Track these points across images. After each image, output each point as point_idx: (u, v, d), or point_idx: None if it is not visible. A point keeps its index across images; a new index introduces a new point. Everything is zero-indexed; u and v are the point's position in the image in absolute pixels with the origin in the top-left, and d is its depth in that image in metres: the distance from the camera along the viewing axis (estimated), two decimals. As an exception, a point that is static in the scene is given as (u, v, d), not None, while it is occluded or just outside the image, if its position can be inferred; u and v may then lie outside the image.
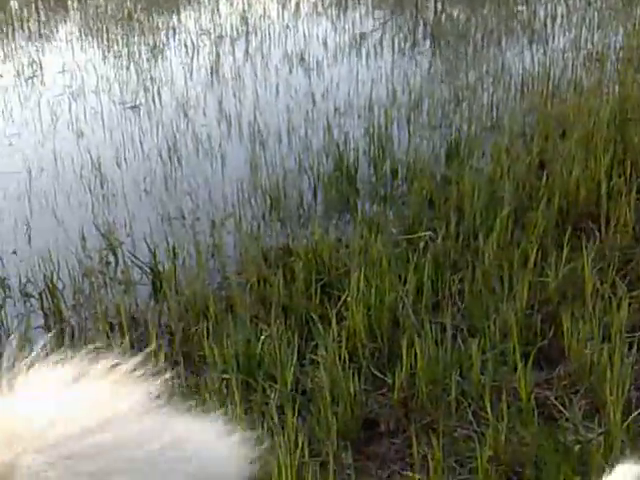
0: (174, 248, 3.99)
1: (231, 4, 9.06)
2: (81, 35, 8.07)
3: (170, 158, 5.18)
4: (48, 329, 3.43)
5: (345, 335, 3.04)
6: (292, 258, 3.82)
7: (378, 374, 2.93)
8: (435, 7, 8.61)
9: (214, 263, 3.97)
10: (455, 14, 8.36)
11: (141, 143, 5.41)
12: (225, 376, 2.89)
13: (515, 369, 2.72)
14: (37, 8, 9.33)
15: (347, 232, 4.17)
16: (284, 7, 8.71)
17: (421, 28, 7.91)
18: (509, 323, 2.96)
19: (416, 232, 3.89)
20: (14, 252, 4.07)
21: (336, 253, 3.79)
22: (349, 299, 3.20)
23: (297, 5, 8.72)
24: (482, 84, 6.17)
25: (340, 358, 2.88)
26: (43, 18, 8.97)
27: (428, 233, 3.82)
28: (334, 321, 3.08)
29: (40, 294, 3.62)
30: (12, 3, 9.55)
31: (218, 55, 7.13)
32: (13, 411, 0.70)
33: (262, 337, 3.05)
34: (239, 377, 2.84)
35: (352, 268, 3.50)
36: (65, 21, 8.73)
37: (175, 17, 8.59)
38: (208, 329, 3.19)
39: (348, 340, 3.03)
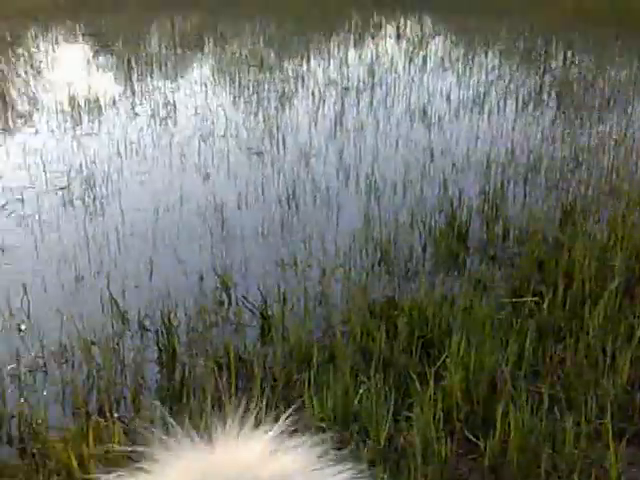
0: (284, 293, 4.14)
1: (359, 56, 9.31)
2: (215, 79, 8.47)
3: (288, 204, 5.38)
4: (161, 364, 3.63)
5: (441, 395, 3.09)
6: (396, 312, 3.91)
7: (471, 437, 2.96)
8: (564, 62, 8.57)
9: (321, 311, 4.10)
10: (583, 70, 8.30)
11: (262, 188, 5.64)
12: (322, 425, 2.99)
13: (608, 446, 2.70)
14: (175, 51, 9.86)
15: (453, 290, 4.22)
16: (411, 60, 8.88)
17: (547, 84, 7.89)
18: (607, 398, 2.94)
19: (522, 295, 3.90)
20: (136, 287, 4.32)
21: (440, 310, 3.84)
22: (448, 359, 3.26)
23: (424, 59, 8.87)
24: (604, 146, 6.11)
25: (435, 418, 2.93)
26: (180, 61, 9.47)
27: (534, 298, 3.82)
28: (432, 380, 3.14)
29: (156, 329, 3.84)
30: (152, 44, 10.12)
31: (343, 105, 7.35)
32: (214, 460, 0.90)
33: (360, 390, 3.13)
34: (335, 428, 2.93)
35: (454, 328, 3.56)
36: (201, 65, 9.18)
37: (305, 66, 8.90)
38: (309, 377, 3.31)
39: (444, 400, 3.07)
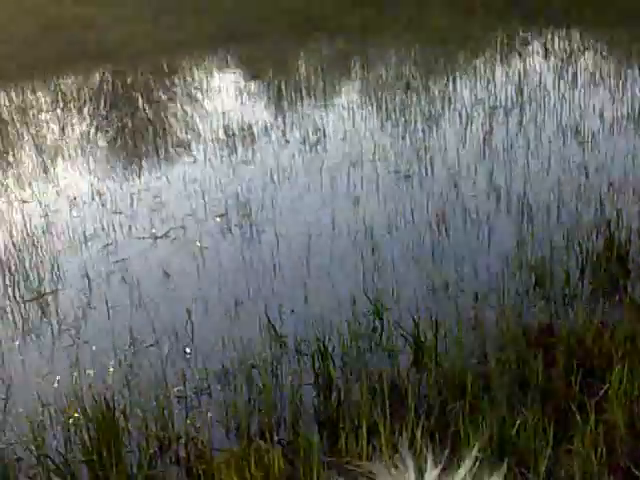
0: (436, 319, 4.15)
1: (507, 74, 9.20)
2: (362, 103, 8.60)
3: (438, 228, 5.39)
4: (317, 388, 3.73)
5: (603, 428, 3.01)
6: (553, 339, 3.84)
7: (636, 473, 2.87)
8: None
9: (474, 337, 4.08)
10: None
11: (412, 211, 5.68)
12: (478, 455, 2.98)
13: None
14: (323, 76, 10.08)
15: (613, 316, 4.10)
16: (560, 77, 8.69)
17: None
18: None
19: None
20: (292, 311, 4.46)
21: (600, 338, 3.75)
22: (610, 390, 3.17)
23: (573, 74, 8.67)
24: None
25: (596, 452, 2.86)
26: (328, 86, 9.67)
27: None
28: (592, 412, 3.06)
29: (312, 354, 3.94)
30: (300, 71, 10.38)
31: (491, 125, 7.29)
32: None
33: (517, 420, 3.10)
34: (492, 459, 2.92)
35: (616, 357, 3.46)
36: (348, 89, 9.33)
37: (451, 86, 8.88)
38: (464, 406, 3.30)
39: (606, 434, 3.00)
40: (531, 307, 4.32)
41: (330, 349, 3.98)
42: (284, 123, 7.99)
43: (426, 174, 6.38)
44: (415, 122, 7.70)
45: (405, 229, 5.44)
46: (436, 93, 8.66)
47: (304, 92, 9.31)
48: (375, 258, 5.04)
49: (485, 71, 9.43)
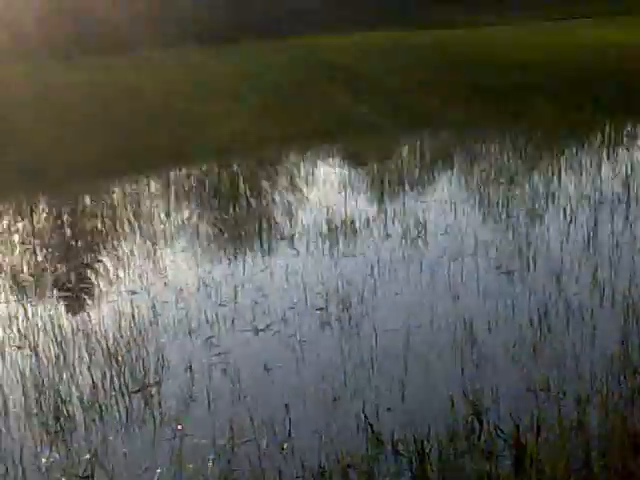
0: (537, 421, 4.06)
1: (613, 169, 9.10)
2: (463, 196, 8.64)
3: (540, 326, 5.31)
4: (413, 491, 3.69)
5: None
6: (661, 447, 3.70)
7: None
8: None
9: (577, 441, 3.96)
10: None
11: (512, 308, 5.62)
12: None
13: None
14: (425, 169, 10.21)
15: None
16: (669, 171, 8.54)
17: None
18: None
19: None
20: (388, 409, 4.44)
21: None
22: None
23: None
24: None
25: None
26: (430, 179, 9.77)
27: None
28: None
29: (410, 454, 3.91)
30: (403, 163, 10.54)
31: (596, 221, 7.19)
32: None
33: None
34: None
35: None
36: (450, 182, 9.40)
37: (555, 181, 8.84)
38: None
39: None
40: (637, 411, 4.17)
41: (427, 450, 3.94)
42: (386, 216, 8.10)
43: (528, 270, 6.32)
44: (518, 217, 7.67)
45: (505, 326, 5.38)
46: (540, 188, 8.62)
47: (406, 185, 9.43)
48: (474, 355, 4.99)
49: (591, 165, 9.35)
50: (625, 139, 10.68)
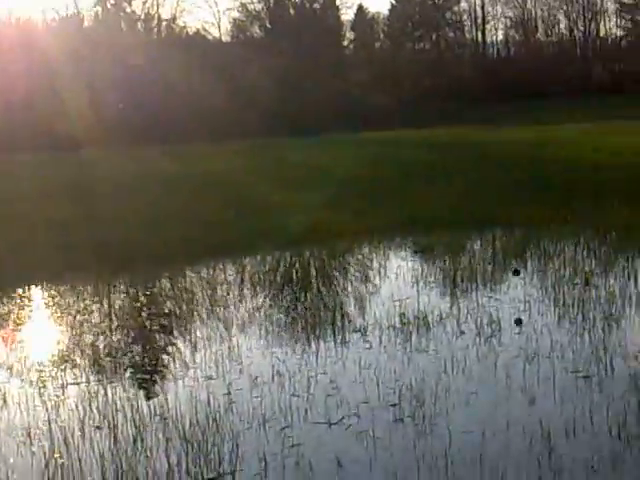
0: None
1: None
2: (538, 296, 8.57)
3: (619, 434, 5.19)
4: None
5: None
6: None
7: None
8: None
9: None
10: None
11: (590, 415, 5.51)
12: None
13: None
14: (498, 267, 10.20)
15: None
16: None
17: None
18: None
19: None
20: (464, 514, 4.38)
21: None
22: None
23: None
24: None
25: None
26: (502, 276, 9.76)
27: None
28: None
29: None
30: (476, 260, 10.54)
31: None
32: None
33: None
34: None
35: None
36: (524, 281, 9.36)
37: (632, 283, 8.74)
38: None
39: None
40: None
41: None
42: (459, 312, 8.09)
43: (606, 374, 6.22)
44: (594, 319, 7.58)
45: (584, 434, 5.28)
46: (617, 290, 8.52)
47: (479, 281, 9.43)
48: (552, 463, 4.90)
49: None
50: None
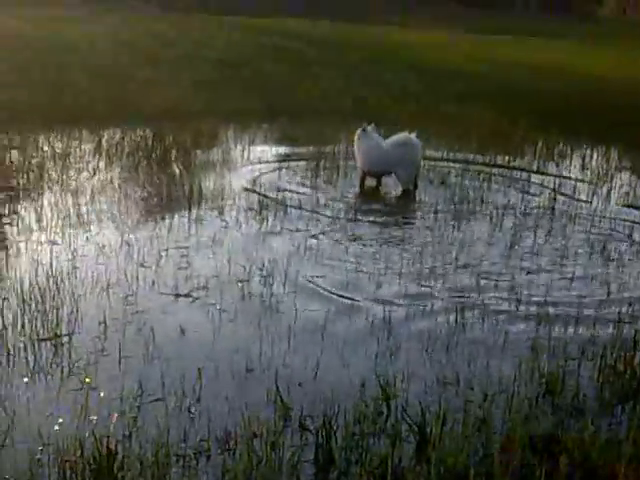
0: (444, 412, 4.13)
1: (542, 183, 9.36)
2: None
3: (456, 321, 5.40)
4: (317, 466, 3.72)
5: None
6: (559, 449, 3.83)
7: None
8: None
9: (480, 436, 4.06)
10: None
11: (431, 298, 5.71)
12: None
13: None
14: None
15: (619, 434, 4.07)
16: (594, 193, 8.82)
17: None
18: None
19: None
20: (299, 384, 4.47)
21: (605, 454, 3.73)
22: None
23: (608, 192, 8.78)
24: None
25: None
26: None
27: None
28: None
29: (316, 430, 3.94)
30: (340, 150, 10.57)
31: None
32: None
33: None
34: None
35: (620, 473, 3.43)
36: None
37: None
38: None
39: None
40: (539, 413, 4.30)
41: (335, 428, 3.97)
42: (317, 197, 8.12)
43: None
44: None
45: (422, 318, 5.46)
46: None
47: (341, 171, 9.46)
48: (390, 343, 5.05)
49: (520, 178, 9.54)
50: (555, 157, 10.97)
